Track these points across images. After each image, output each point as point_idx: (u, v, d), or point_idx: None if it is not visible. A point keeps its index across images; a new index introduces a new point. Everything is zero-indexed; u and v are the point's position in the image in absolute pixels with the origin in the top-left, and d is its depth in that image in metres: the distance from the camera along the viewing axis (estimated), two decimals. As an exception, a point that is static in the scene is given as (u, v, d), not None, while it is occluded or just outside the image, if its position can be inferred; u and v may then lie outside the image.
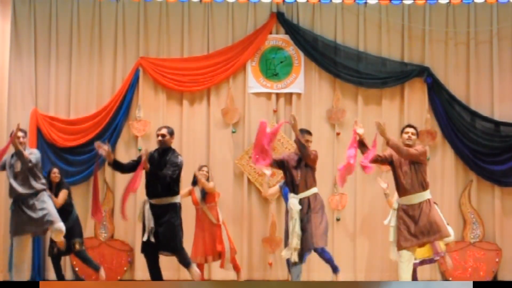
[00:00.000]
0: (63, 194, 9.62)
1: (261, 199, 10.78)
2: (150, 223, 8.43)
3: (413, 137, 8.33)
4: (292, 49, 10.93)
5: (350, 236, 10.74)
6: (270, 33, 10.95)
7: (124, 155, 10.76)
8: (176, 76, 10.82)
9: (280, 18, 10.91)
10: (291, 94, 10.91)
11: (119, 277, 10.55)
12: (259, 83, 10.89)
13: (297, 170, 8.88)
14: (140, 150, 10.69)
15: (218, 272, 10.23)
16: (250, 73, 10.90)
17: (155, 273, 8.65)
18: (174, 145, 10.65)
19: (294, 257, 8.65)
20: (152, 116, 10.82)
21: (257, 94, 10.91)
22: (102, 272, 9.66)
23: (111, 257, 10.52)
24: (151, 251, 8.56)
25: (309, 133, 9.15)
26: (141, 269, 10.59)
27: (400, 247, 8.23)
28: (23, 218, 8.72)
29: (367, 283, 9.47)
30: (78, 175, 10.57)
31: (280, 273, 10.68)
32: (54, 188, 9.65)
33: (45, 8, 10.88)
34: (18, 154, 8.72)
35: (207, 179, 9.67)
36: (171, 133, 8.68)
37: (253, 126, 10.82)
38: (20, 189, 8.73)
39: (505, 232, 10.68)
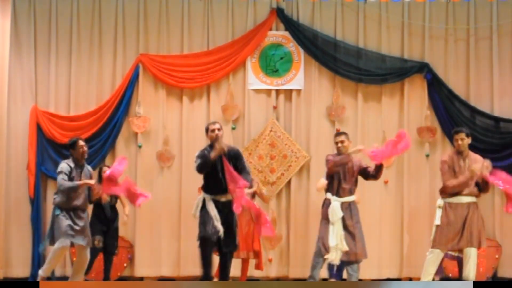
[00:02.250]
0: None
1: (261, 195, 10.78)
2: (217, 219, 8.31)
3: (463, 142, 8.85)
4: (292, 46, 10.93)
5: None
6: (270, 29, 10.94)
7: (124, 152, 10.77)
8: (176, 72, 10.82)
9: (280, 15, 10.91)
10: (291, 90, 10.90)
11: (119, 274, 10.55)
12: (259, 80, 10.89)
13: (344, 174, 8.99)
14: (140, 146, 10.71)
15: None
16: (250, 69, 10.89)
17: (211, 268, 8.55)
18: (174, 141, 10.79)
19: (337, 259, 8.79)
20: (152, 112, 10.82)
21: (257, 91, 10.90)
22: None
23: (111, 254, 10.49)
24: (211, 247, 8.42)
25: (337, 134, 9.28)
26: (141, 266, 10.63)
27: (437, 246, 8.58)
28: (69, 227, 8.87)
29: (367, 283, 9.47)
30: (78, 172, 10.55)
31: (280, 269, 10.69)
32: None
33: (45, 5, 10.86)
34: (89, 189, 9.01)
35: None
36: (221, 127, 8.67)
37: (253, 123, 10.84)
38: (78, 201, 8.93)
39: (504, 229, 10.68)
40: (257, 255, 9.58)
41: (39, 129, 10.65)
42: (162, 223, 10.63)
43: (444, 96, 10.79)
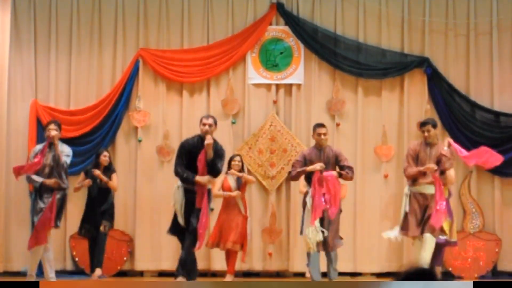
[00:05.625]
0: (116, 178, 9.93)
1: (261, 189, 10.78)
2: (182, 208, 8.67)
3: (429, 133, 8.90)
4: (292, 40, 10.93)
5: (350, 227, 10.70)
6: (270, 24, 10.95)
7: (124, 146, 10.80)
8: (176, 67, 10.82)
9: (280, 9, 10.91)
10: (291, 85, 10.90)
11: (119, 267, 10.55)
12: (259, 74, 10.89)
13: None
14: (140, 140, 10.72)
15: (218, 262, 10.29)
16: (250, 64, 10.90)
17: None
18: (174, 136, 10.79)
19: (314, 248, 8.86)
20: (152, 107, 10.83)
21: (257, 85, 10.90)
22: (98, 272, 9.66)
23: (111, 247, 10.37)
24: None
25: (319, 125, 9.25)
26: (141, 260, 10.64)
27: (406, 235, 8.91)
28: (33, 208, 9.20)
29: (367, 283, 9.46)
30: (78, 166, 10.48)
31: (279, 263, 10.68)
32: (102, 171, 9.76)
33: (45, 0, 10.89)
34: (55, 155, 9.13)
35: (241, 168, 9.76)
36: (216, 123, 8.80)
37: (253, 117, 10.84)
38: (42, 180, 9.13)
39: (504, 223, 10.68)
40: (243, 247, 9.57)
41: (39, 123, 10.66)
42: (162, 217, 10.60)
43: (444, 90, 10.78)
